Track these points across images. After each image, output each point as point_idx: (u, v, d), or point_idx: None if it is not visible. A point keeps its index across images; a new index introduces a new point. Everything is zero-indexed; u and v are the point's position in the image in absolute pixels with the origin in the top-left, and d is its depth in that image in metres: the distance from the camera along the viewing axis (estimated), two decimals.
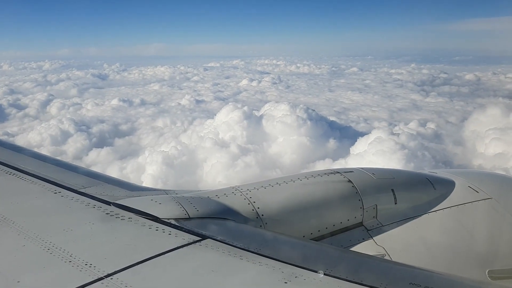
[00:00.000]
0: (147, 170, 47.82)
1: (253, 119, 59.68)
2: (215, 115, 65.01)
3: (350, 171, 4.07)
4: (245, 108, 63.36)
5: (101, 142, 62.44)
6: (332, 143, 56.10)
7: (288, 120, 58.10)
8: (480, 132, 53.41)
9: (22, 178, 4.04)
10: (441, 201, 4.19)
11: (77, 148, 59.66)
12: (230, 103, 70.65)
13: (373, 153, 37.43)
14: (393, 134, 47.69)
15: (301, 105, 65.76)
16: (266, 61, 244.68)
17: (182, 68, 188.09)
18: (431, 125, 63.56)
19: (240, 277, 2.40)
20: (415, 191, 4.25)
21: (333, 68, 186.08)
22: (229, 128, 56.95)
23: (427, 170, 4.97)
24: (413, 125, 61.41)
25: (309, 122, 57.88)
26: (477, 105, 78.79)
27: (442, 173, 4.74)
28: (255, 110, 67.58)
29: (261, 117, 61.52)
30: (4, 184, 4.00)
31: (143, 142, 64.03)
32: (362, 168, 4.19)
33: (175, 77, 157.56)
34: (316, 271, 2.40)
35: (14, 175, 4.13)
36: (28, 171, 4.17)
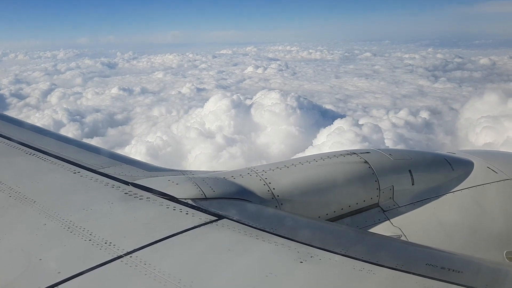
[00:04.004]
0: None
1: (241, 108, 58.38)
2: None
3: (367, 152, 4.07)
4: (234, 96, 62.04)
5: (93, 132, 62.21)
6: (322, 132, 54.38)
7: (277, 109, 56.48)
8: (474, 120, 50.44)
9: (43, 159, 4.07)
10: (460, 182, 4.16)
11: None
12: (219, 92, 69.43)
13: (330, 146, 35.56)
14: (356, 125, 45.38)
15: (292, 93, 63.86)
16: (280, 48, 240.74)
17: (190, 55, 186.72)
18: (424, 114, 60.47)
19: (256, 256, 2.43)
20: (433, 172, 4.22)
21: (346, 54, 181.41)
22: (216, 118, 55.81)
23: (445, 151, 4.90)
24: (403, 113, 58.78)
25: (298, 111, 56.14)
26: (486, 90, 75.16)
27: (460, 153, 4.70)
28: (248, 98, 66.18)
29: (250, 106, 60.01)
30: (25, 164, 4.06)
31: (135, 131, 63.64)
32: (379, 149, 4.21)
33: (183, 65, 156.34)
34: (331, 251, 2.41)
35: (35, 155, 4.18)
36: (48, 151, 4.21)
